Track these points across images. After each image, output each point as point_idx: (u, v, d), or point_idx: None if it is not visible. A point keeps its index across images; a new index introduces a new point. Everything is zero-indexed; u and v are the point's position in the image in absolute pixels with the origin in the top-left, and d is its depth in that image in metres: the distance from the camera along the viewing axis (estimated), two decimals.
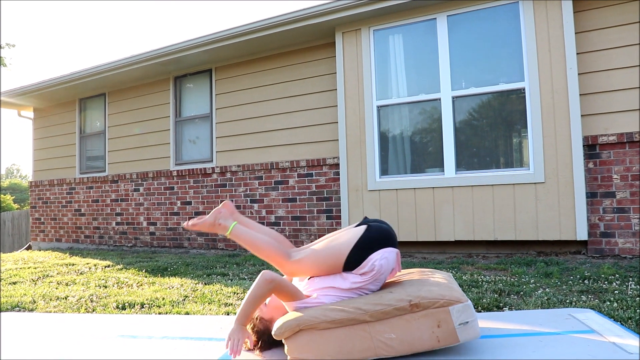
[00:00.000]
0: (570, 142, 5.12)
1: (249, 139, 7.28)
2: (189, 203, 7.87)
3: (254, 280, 4.73)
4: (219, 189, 7.57)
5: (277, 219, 7.05)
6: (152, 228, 8.32)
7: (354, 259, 2.34)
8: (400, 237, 5.88)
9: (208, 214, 8.07)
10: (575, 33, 5.21)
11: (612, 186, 5.11)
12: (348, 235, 2.41)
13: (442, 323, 2.07)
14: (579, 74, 5.18)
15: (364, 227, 2.42)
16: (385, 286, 2.46)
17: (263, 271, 2.26)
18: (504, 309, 3.28)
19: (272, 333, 2.19)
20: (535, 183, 5.27)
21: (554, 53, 5.23)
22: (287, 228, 6.94)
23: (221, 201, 7.51)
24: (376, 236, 2.38)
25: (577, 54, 5.21)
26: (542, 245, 5.41)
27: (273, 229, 7.01)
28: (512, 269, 4.63)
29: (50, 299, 4.29)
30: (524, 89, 5.40)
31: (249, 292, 2.25)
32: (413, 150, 6.07)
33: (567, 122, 5.14)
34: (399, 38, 6.14)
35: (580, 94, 5.16)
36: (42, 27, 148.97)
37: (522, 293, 3.66)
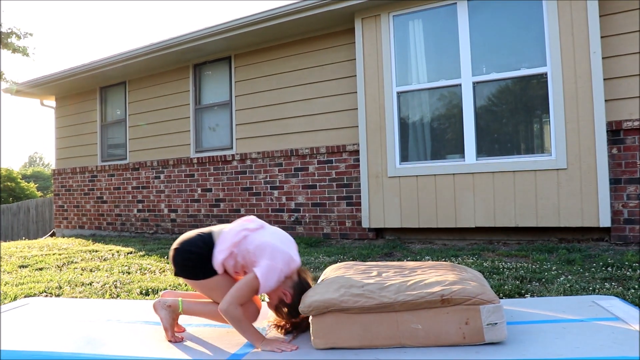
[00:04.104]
0: (593, 127, 5.04)
1: (269, 126, 7.29)
2: (210, 190, 7.94)
3: None
4: (239, 175, 7.61)
5: (297, 205, 7.08)
6: (173, 215, 8.42)
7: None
8: (421, 224, 5.88)
9: (228, 201, 8.03)
10: (600, 16, 5.09)
11: (636, 172, 5.03)
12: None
13: (471, 320, 2.08)
14: (603, 57, 5.07)
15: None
16: (418, 275, 2.43)
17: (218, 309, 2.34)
18: (526, 295, 3.27)
19: (299, 308, 2.22)
20: (557, 169, 5.21)
21: (577, 37, 5.13)
22: (307, 215, 6.97)
23: (241, 188, 7.55)
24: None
25: (602, 37, 5.09)
26: (563, 232, 5.36)
27: (292, 215, 7.06)
28: (533, 255, 4.61)
29: (76, 285, 4.38)
30: (546, 74, 5.31)
31: (235, 328, 2.32)
32: (433, 136, 6.03)
33: (590, 107, 5.05)
34: (419, 23, 6.07)
35: (604, 79, 5.06)
36: (63, 16, 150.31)
37: (544, 280, 3.64)
